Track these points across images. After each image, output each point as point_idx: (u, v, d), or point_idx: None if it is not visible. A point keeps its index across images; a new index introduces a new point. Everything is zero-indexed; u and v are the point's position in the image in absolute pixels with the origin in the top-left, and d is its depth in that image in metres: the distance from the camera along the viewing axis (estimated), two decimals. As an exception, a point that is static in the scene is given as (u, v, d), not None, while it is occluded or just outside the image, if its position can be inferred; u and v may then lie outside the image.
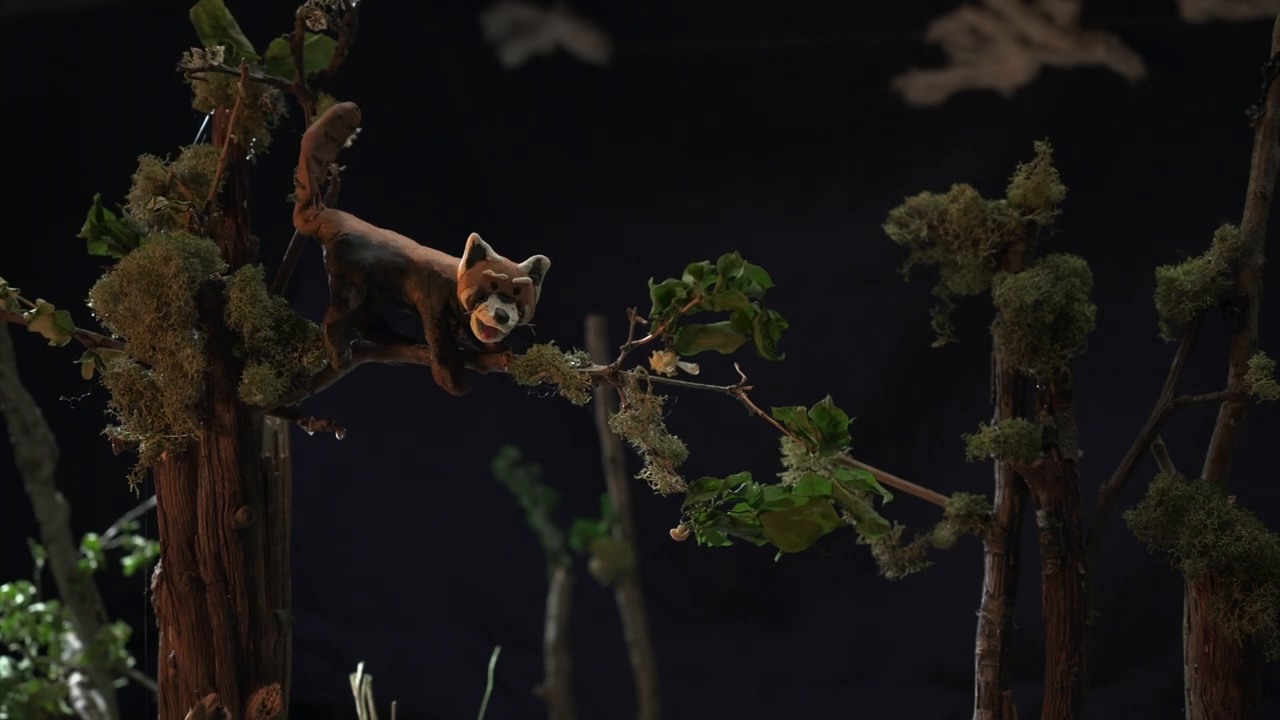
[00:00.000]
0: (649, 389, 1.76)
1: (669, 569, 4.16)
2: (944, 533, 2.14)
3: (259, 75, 1.92)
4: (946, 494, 2.15)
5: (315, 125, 1.88)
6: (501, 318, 1.76)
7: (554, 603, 3.78)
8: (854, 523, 1.74)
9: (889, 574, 2.19)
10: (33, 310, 1.85)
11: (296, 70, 1.94)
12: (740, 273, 1.73)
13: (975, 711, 2.12)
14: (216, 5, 1.96)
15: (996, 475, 2.14)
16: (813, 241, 4.05)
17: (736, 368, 1.76)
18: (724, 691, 4.22)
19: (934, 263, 2.16)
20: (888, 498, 1.75)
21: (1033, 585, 2.12)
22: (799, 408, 1.75)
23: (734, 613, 4.26)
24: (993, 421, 2.11)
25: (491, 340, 1.78)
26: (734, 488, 1.75)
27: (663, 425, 1.75)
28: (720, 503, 1.75)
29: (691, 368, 1.77)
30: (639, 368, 1.78)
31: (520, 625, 4.19)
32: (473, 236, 1.79)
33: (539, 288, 1.79)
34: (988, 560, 2.13)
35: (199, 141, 1.98)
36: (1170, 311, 2.05)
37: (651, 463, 1.75)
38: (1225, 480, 2.05)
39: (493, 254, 1.79)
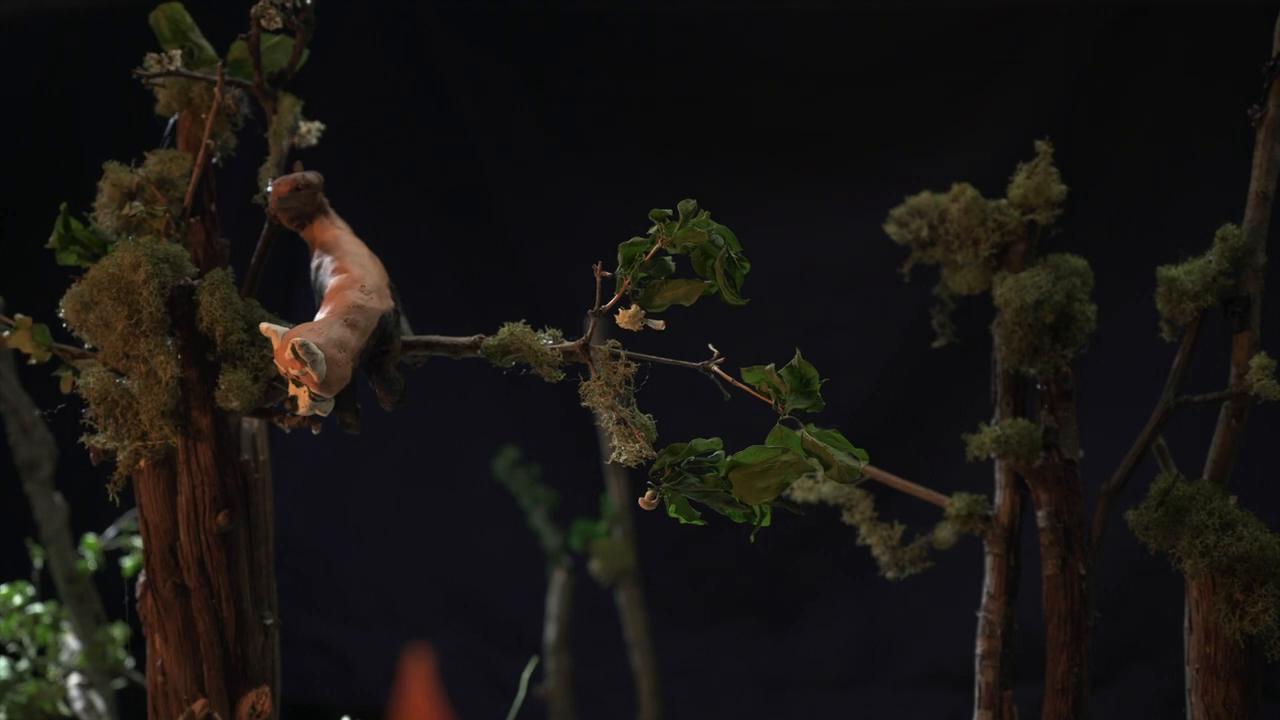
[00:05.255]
0: (621, 359, 1.74)
1: (669, 569, 4.16)
2: (944, 533, 2.14)
3: (218, 77, 1.93)
4: (946, 494, 2.14)
5: (271, 200, 1.88)
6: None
7: (554, 603, 3.78)
8: (823, 470, 1.72)
9: (889, 574, 2.19)
10: (11, 326, 1.84)
11: (255, 70, 1.94)
12: (702, 216, 1.71)
13: (975, 712, 2.12)
14: (176, 10, 1.97)
15: (997, 475, 2.14)
16: (813, 242, 4.05)
17: (710, 347, 1.74)
18: (724, 692, 4.22)
19: (934, 263, 2.16)
20: (863, 459, 1.72)
21: (1033, 585, 2.11)
22: (767, 366, 1.72)
23: (734, 613, 4.25)
24: (993, 421, 2.11)
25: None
26: (702, 453, 1.74)
27: (633, 400, 1.73)
28: (686, 464, 1.73)
29: (658, 324, 1.74)
30: (611, 340, 1.76)
31: (520, 625, 4.19)
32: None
33: (312, 366, 1.70)
34: (988, 560, 2.12)
35: (164, 146, 1.99)
36: (1171, 311, 2.05)
37: (617, 435, 1.72)
38: (1227, 481, 2.05)
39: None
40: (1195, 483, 2.03)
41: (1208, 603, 1.98)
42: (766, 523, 1.75)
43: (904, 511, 2.21)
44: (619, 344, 1.76)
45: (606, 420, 1.73)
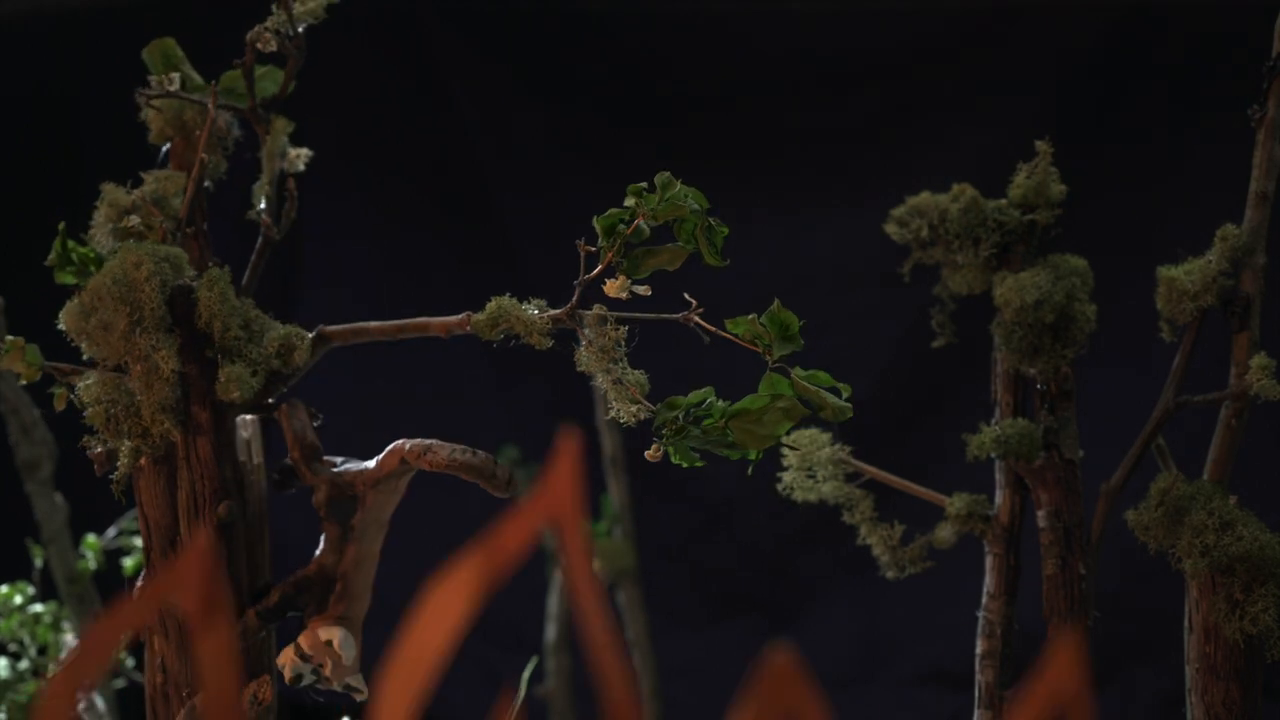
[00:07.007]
0: (609, 323, 1.76)
1: (669, 569, 4.16)
2: (944, 533, 2.14)
3: (210, 96, 1.97)
4: (946, 494, 2.14)
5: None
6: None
7: (554, 603, 3.78)
8: (818, 411, 1.75)
9: (889, 574, 2.18)
10: (2, 348, 1.86)
11: (249, 94, 1.98)
12: (677, 188, 1.75)
13: (975, 711, 2.12)
14: (168, 45, 2.02)
15: (997, 475, 2.14)
16: (813, 242, 4.05)
17: (687, 296, 1.77)
18: (725, 692, 4.21)
19: (934, 263, 2.16)
20: (847, 392, 1.75)
21: (1033, 585, 2.11)
22: (750, 316, 1.75)
23: (735, 613, 4.25)
24: (993, 421, 2.11)
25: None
26: (699, 403, 1.77)
27: (624, 361, 1.76)
28: (688, 417, 1.75)
29: (644, 290, 1.78)
30: (597, 305, 1.78)
31: (520, 625, 4.18)
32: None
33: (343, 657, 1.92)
34: (988, 560, 2.12)
35: (159, 168, 2.04)
36: (1171, 311, 2.05)
37: (614, 395, 1.75)
38: (1226, 480, 2.05)
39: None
40: (1195, 483, 2.03)
41: (1208, 602, 1.98)
42: (759, 456, 1.78)
43: (904, 511, 2.20)
44: (604, 306, 1.78)
45: (602, 381, 1.75)
